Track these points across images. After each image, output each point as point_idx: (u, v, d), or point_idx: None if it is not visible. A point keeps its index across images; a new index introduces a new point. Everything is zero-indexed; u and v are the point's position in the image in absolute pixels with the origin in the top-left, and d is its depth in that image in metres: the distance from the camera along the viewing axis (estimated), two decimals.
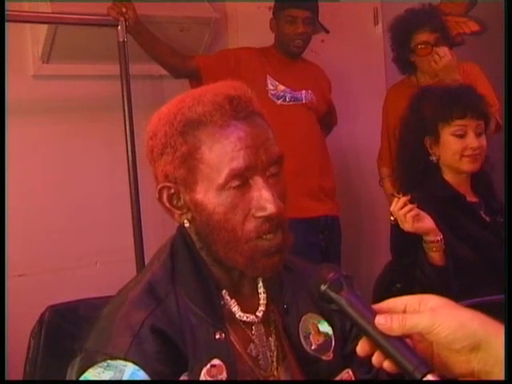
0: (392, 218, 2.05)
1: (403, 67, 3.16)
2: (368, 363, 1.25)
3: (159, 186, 1.14)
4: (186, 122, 1.10)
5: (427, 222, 2.02)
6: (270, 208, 1.08)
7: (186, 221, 1.15)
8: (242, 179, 1.08)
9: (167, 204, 1.15)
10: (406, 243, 2.16)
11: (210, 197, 1.09)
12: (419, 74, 3.10)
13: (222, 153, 1.08)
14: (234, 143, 1.08)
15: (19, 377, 1.46)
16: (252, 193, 1.09)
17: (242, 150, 1.08)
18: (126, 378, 1.00)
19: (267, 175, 1.11)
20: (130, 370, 1.01)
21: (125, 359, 1.02)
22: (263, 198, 1.08)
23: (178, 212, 1.15)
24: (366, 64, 3.53)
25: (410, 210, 1.99)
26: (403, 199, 2.01)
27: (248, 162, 1.08)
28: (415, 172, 2.27)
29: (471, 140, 2.19)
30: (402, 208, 2.00)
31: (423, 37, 3.00)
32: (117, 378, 1.00)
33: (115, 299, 1.15)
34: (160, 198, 1.15)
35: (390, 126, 3.10)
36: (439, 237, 2.03)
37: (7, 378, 1.55)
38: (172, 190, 1.14)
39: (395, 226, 2.14)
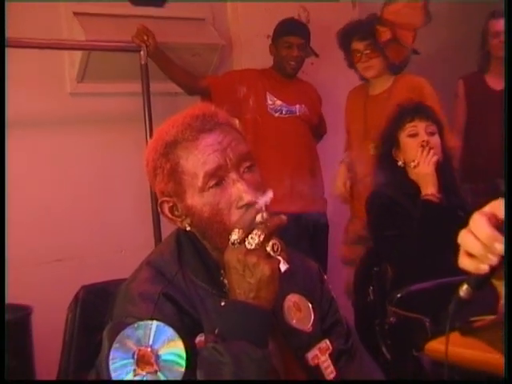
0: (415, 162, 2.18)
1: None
2: (345, 335, 1.27)
3: (159, 201, 1.18)
4: (165, 145, 1.13)
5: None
6: (246, 197, 1.09)
7: (186, 225, 1.17)
8: (216, 178, 1.11)
9: (169, 215, 1.18)
10: (387, 217, 2.18)
11: (196, 200, 1.12)
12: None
13: (196, 161, 1.11)
14: (203, 151, 1.11)
15: (59, 347, 1.46)
16: (230, 189, 1.11)
17: (211, 154, 1.10)
18: (153, 332, 1.03)
19: (241, 171, 1.12)
20: (155, 326, 1.04)
21: (151, 319, 1.05)
22: (239, 190, 1.10)
23: (179, 219, 1.17)
24: (350, 82, 3.53)
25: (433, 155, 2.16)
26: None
27: (217, 162, 1.10)
28: (386, 174, 2.29)
29: (422, 137, 2.21)
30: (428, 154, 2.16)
31: (355, 46, 2.90)
32: (146, 334, 1.03)
33: (132, 277, 1.17)
34: (162, 211, 1.18)
35: (347, 122, 3.10)
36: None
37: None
38: (171, 204, 1.17)
39: (375, 203, 2.20)
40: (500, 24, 3.18)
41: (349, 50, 2.93)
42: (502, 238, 0.77)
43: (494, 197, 0.82)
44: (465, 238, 0.80)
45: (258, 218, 1.06)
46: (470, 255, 0.80)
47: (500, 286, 0.84)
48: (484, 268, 0.78)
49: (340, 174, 3.02)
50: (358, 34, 2.87)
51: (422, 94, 2.79)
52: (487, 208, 0.81)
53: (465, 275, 0.84)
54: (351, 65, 2.99)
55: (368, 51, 2.86)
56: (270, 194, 1.10)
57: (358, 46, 2.88)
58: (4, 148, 1.88)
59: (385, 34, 2.83)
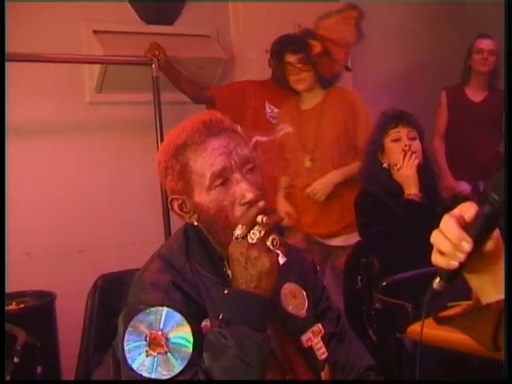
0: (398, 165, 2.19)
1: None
2: (335, 320, 1.28)
3: (169, 199, 1.18)
4: (176, 148, 1.13)
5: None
6: (248, 195, 1.09)
7: (194, 221, 1.17)
8: (222, 178, 1.11)
9: (178, 211, 1.18)
10: (373, 214, 2.19)
11: (203, 197, 1.12)
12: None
13: (204, 162, 1.11)
14: (210, 153, 1.11)
15: (79, 329, 1.47)
16: (233, 188, 1.11)
17: (218, 156, 1.10)
18: (163, 317, 1.04)
19: (244, 172, 1.12)
20: (165, 312, 1.05)
21: (161, 306, 1.06)
22: (242, 189, 1.10)
23: (187, 215, 1.17)
24: None
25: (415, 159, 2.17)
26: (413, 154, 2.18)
27: (223, 164, 1.10)
28: (372, 175, 2.29)
29: (405, 142, 2.21)
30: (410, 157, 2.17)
31: (288, 58, 2.66)
32: (157, 319, 1.04)
33: (145, 268, 1.17)
34: (172, 208, 1.18)
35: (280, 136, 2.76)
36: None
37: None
38: (180, 201, 1.16)
39: (363, 202, 2.19)
40: (483, 43, 3.23)
41: (282, 62, 2.70)
42: (468, 238, 0.79)
43: (474, 196, 0.84)
44: (436, 238, 0.82)
45: (259, 219, 1.07)
46: (441, 253, 0.81)
47: (470, 278, 0.86)
48: (454, 264, 0.80)
49: (280, 204, 2.69)
50: (291, 47, 2.66)
51: (355, 107, 2.64)
52: (456, 210, 0.82)
53: None
54: (284, 77, 2.74)
55: (300, 65, 2.62)
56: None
57: (291, 58, 2.65)
58: (4, 151, 1.87)
59: (316, 48, 2.63)
